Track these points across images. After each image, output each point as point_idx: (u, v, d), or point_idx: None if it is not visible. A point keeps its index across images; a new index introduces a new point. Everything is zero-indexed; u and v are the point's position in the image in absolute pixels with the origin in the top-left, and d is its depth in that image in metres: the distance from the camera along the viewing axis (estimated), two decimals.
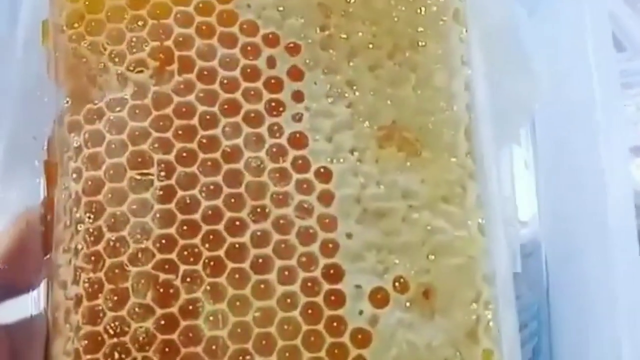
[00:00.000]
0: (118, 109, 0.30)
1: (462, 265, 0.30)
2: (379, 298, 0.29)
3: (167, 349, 0.28)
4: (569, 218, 0.38)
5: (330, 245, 0.29)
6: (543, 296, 0.40)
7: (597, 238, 0.35)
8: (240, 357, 0.28)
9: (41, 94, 0.32)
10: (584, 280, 0.37)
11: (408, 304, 0.29)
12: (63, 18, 0.31)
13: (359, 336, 0.29)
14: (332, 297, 0.29)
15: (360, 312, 0.29)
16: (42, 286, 0.30)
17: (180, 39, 0.31)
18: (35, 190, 0.32)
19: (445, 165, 0.31)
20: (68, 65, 0.31)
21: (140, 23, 0.31)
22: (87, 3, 0.31)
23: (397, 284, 0.30)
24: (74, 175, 0.29)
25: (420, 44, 0.32)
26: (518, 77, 0.35)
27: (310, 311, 0.29)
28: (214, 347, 0.28)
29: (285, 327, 0.28)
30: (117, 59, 0.30)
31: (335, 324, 0.29)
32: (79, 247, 0.29)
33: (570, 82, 0.37)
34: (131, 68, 0.30)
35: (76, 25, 0.31)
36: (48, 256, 0.30)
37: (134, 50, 0.30)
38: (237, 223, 0.29)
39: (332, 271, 0.29)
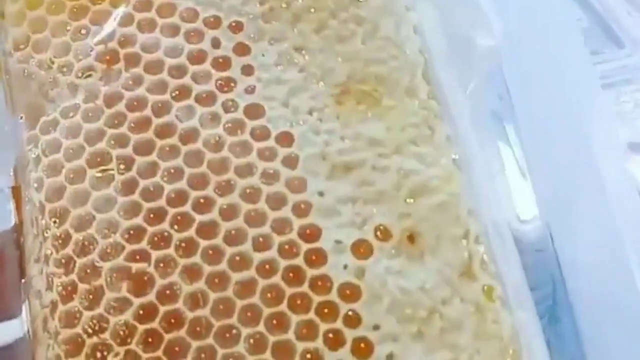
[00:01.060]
0: (71, 114, 0.30)
1: (443, 203, 0.29)
2: (362, 250, 0.28)
3: (149, 339, 0.27)
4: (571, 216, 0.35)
5: (303, 206, 0.28)
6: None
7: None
8: (227, 334, 0.27)
9: (1, 124, 0.32)
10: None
11: (393, 250, 0.28)
12: (10, 43, 0.32)
13: (347, 291, 0.27)
14: (313, 257, 0.28)
15: (345, 267, 0.27)
16: (24, 310, 0.30)
17: (123, 38, 0.31)
18: (6, 217, 0.31)
19: (408, 109, 0.30)
20: (19, 85, 0.31)
21: (83, 32, 0.31)
22: (30, 24, 0.31)
23: (378, 232, 0.28)
24: (36, 185, 0.29)
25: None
26: (473, 22, 0.34)
27: (291, 274, 0.27)
28: (197, 328, 0.27)
29: (269, 294, 0.27)
30: (65, 70, 0.31)
31: (320, 282, 0.27)
32: (49, 253, 0.28)
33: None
34: (79, 75, 0.31)
35: (22, 46, 0.31)
36: (24, 280, 0.30)
37: (80, 57, 0.31)
38: (203, 200, 0.28)
39: (308, 231, 0.28)
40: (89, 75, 0.30)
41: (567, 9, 0.36)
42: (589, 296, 0.30)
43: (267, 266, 0.27)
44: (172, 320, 0.27)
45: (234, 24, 0.31)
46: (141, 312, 0.27)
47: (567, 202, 0.31)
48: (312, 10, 0.32)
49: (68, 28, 0.31)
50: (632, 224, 0.30)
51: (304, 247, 0.28)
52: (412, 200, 0.29)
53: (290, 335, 0.26)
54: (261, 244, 0.28)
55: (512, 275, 0.29)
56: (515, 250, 0.29)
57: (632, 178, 0.33)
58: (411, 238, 0.28)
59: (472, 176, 0.30)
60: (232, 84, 0.30)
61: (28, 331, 0.29)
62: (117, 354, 0.26)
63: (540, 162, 0.31)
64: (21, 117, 0.30)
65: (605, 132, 0.32)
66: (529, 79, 0.33)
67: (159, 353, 0.26)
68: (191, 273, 0.27)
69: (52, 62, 0.31)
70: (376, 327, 0.27)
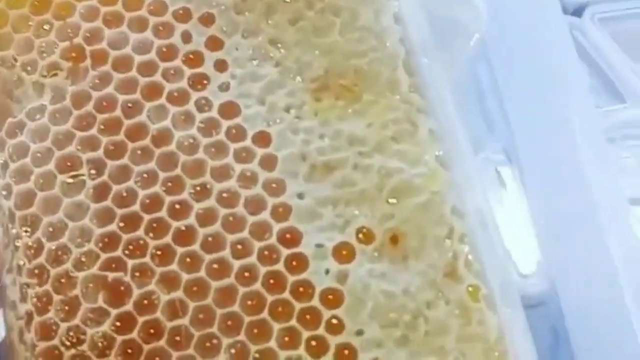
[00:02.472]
0: (38, 116, 0.29)
1: (427, 202, 0.28)
2: (344, 254, 0.27)
3: (129, 350, 0.26)
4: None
5: (281, 209, 0.28)
6: None
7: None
8: (207, 343, 0.26)
9: None
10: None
11: (376, 253, 0.27)
12: None
13: (330, 296, 0.27)
14: (294, 262, 0.27)
15: (327, 272, 0.27)
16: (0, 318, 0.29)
17: (88, 34, 0.29)
18: None
19: (389, 104, 0.29)
20: None
21: (46, 27, 0.30)
22: None
23: (360, 235, 0.27)
24: (4, 192, 0.28)
25: None
26: (455, 6, 0.33)
27: (272, 281, 0.27)
28: (177, 337, 0.26)
29: (249, 302, 0.26)
30: (29, 68, 0.29)
31: (301, 288, 0.27)
32: (21, 263, 0.27)
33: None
34: (45, 73, 0.29)
35: None
36: None
37: (45, 55, 0.29)
38: (178, 206, 0.27)
39: (288, 235, 0.27)
40: (55, 74, 0.29)
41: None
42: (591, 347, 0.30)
43: (246, 273, 0.27)
44: (151, 331, 0.26)
45: (205, 16, 0.30)
46: (119, 322, 0.26)
47: (569, 255, 0.31)
48: (287, 0, 0.30)
49: (30, 23, 0.30)
50: (634, 279, 0.29)
51: (284, 252, 0.27)
52: (394, 201, 0.28)
53: (272, 343, 0.26)
54: (240, 251, 0.27)
55: (497, 272, 0.28)
56: (503, 245, 0.29)
57: (634, 233, 0.32)
58: (394, 239, 0.27)
59: (456, 171, 0.29)
60: (205, 81, 0.29)
61: (4, 340, 0.28)
62: None
63: (542, 211, 0.31)
64: None
65: (609, 186, 0.32)
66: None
67: None
68: (169, 282, 0.27)
69: (15, 60, 0.29)
70: (360, 333, 0.26)
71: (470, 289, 0.27)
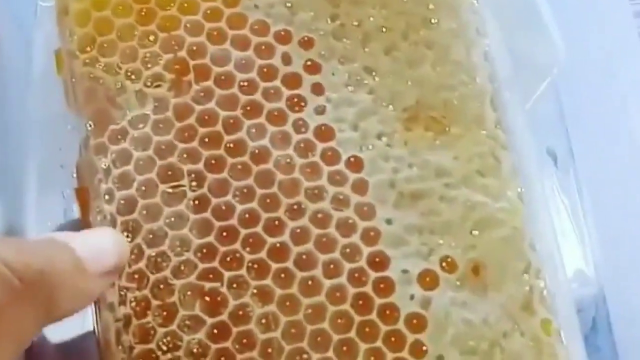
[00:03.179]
0: (141, 125, 0.30)
1: (508, 236, 0.30)
2: (427, 280, 0.29)
3: (222, 358, 0.27)
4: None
5: (372, 233, 0.29)
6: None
7: None
8: (297, 357, 0.28)
9: (63, 122, 0.32)
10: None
11: (458, 282, 0.29)
12: (75, 44, 0.31)
13: (414, 321, 0.28)
14: (381, 285, 0.28)
15: (412, 297, 0.28)
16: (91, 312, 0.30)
17: (194, 47, 0.31)
18: (68, 217, 0.32)
19: (475, 139, 0.31)
20: (86, 89, 0.31)
21: (151, 38, 0.31)
22: (96, 25, 0.31)
23: (444, 263, 0.29)
24: (106, 197, 0.29)
25: (432, 21, 0.32)
26: (534, 40, 0.34)
27: (361, 302, 0.28)
28: (269, 349, 0.28)
29: (339, 320, 0.28)
30: (133, 77, 0.30)
31: (387, 311, 0.28)
32: None
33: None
34: (148, 84, 0.30)
35: (88, 49, 0.31)
36: None
37: (149, 65, 0.30)
38: (276, 223, 0.29)
39: (377, 259, 0.29)
40: (158, 85, 0.30)
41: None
42: None
43: (337, 293, 0.28)
44: (245, 341, 0.28)
45: (305, 40, 0.31)
46: (215, 331, 0.28)
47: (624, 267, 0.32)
48: (384, 29, 0.31)
49: (135, 32, 0.31)
50: None
51: (373, 275, 0.28)
52: (477, 232, 0.29)
53: None
54: (331, 271, 0.28)
55: (565, 309, 0.30)
56: (568, 284, 0.30)
57: None
58: (476, 270, 0.29)
59: (532, 209, 0.30)
60: (303, 103, 0.30)
61: (94, 330, 0.29)
62: None
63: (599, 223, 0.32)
64: (90, 125, 0.30)
65: None
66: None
67: None
68: (263, 295, 0.28)
69: (120, 68, 0.31)
70: (440, 358, 0.28)
71: (543, 322, 0.29)
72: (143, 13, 0.31)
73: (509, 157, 0.31)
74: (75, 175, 0.31)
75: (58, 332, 0.31)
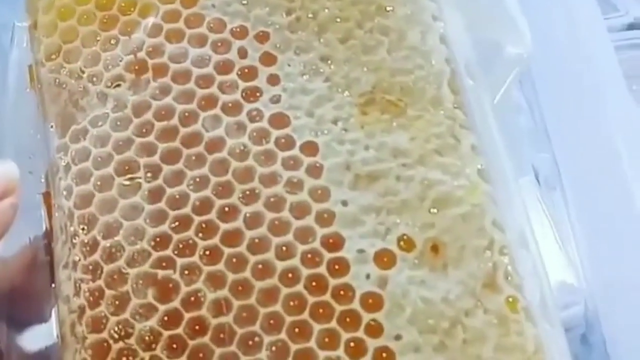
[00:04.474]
0: (100, 123, 0.30)
1: (467, 213, 0.29)
2: (385, 260, 0.28)
3: (174, 345, 0.27)
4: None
5: (326, 215, 0.28)
6: None
7: None
8: (250, 341, 0.27)
9: (34, 131, 0.33)
10: None
11: (416, 261, 0.28)
12: (42, 53, 0.32)
13: (370, 300, 0.27)
14: (336, 266, 0.28)
15: (367, 276, 0.28)
16: (54, 314, 0.30)
17: (151, 48, 0.31)
18: (37, 223, 0.32)
19: (433, 119, 0.30)
20: (51, 94, 0.32)
21: (112, 42, 0.32)
22: (61, 34, 0.32)
23: (401, 242, 0.28)
24: (65, 193, 0.30)
25: (388, 9, 0.32)
26: (500, 31, 0.34)
27: (314, 283, 0.27)
28: (221, 334, 0.27)
29: (291, 303, 0.27)
30: (95, 79, 0.31)
31: (342, 292, 0.27)
32: (77, 259, 0.29)
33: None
34: (109, 84, 0.31)
35: (54, 56, 0.32)
36: (54, 285, 0.30)
37: (110, 67, 0.31)
38: (228, 209, 0.29)
39: (331, 240, 0.28)
40: (118, 85, 0.31)
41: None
42: None
43: (290, 274, 0.28)
44: (197, 327, 0.27)
45: (260, 34, 0.32)
46: (166, 318, 0.27)
47: (615, 276, 0.31)
48: (338, 20, 0.32)
49: (98, 38, 0.32)
50: None
51: (327, 256, 0.28)
52: (435, 211, 0.29)
53: (312, 343, 0.27)
54: (284, 253, 0.28)
55: (537, 287, 0.28)
56: (542, 263, 0.29)
57: None
58: (435, 248, 0.28)
59: (498, 186, 0.29)
60: (258, 94, 0.31)
61: (57, 336, 0.29)
62: None
63: (585, 230, 0.31)
64: (52, 126, 0.31)
65: None
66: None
67: (183, 359, 0.27)
68: (215, 280, 0.28)
69: (83, 72, 0.31)
70: (398, 337, 0.27)
71: (509, 299, 0.28)
72: (105, 20, 0.32)
73: (469, 136, 0.30)
74: (43, 180, 0.32)
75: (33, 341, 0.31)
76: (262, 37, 0.32)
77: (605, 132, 0.33)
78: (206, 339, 0.27)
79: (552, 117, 0.36)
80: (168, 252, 0.28)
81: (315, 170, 0.29)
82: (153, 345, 0.27)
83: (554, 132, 0.36)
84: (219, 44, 0.31)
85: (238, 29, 0.32)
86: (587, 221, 0.34)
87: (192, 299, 0.27)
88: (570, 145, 0.35)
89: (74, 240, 0.29)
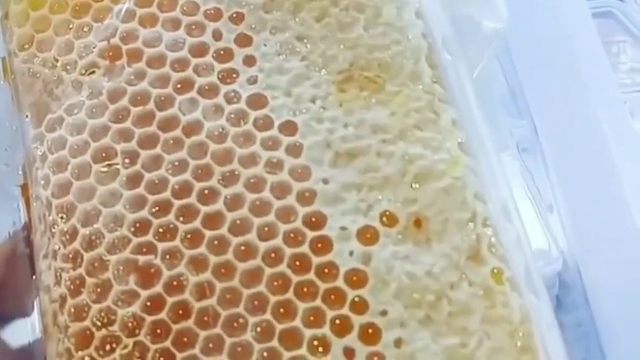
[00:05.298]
0: (76, 111, 0.30)
1: (449, 187, 0.28)
2: (367, 236, 0.28)
3: (158, 330, 0.27)
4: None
5: (307, 194, 0.28)
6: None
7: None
8: (234, 322, 0.27)
9: (10, 123, 0.32)
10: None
11: (400, 236, 0.28)
12: (14, 43, 0.32)
13: (354, 277, 0.27)
14: (319, 244, 0.27)
15: (351, 253, 0.27)
16: (36, 306, 0.30)
17: (125, 34, 0.31)
18: (16, 215, 0.32)
19: (412, 94, 0.30)
20: (25, 84, 0.31)
21: (85, 29, 0.31)
22: (34, 24, 0.32)
23: (384, 218, 0.28)
24: (42, 182, 0.29)
25: None
26: (476, 5, 0.33)
27: (298, 262, 0.27)
28: (205, 318, 0.27)
29: (275, 283, 0.27)
30: (69, 67, 0.31)
31: (326, 270, 0.27)
32: (56, 248, 0.28)
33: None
34: (83, 72, 0.31)
35: (27, 46, 0.31)
36: (35, 276, 0.30)
37: (84, 54, 0.31)
38: (208, 192, 0.28)
39: (313, 218, 0.28)
40: (92, 72, 0.31)
41: None
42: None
43: (272, 255, 0.27)
44: (180, 311, 0.27)
45: (234, 15, 0.31)
46: (149, 303, 0.27)
47: (596, 240, 0.31)
48: None
49: (70, 26, 0.31)
50: None
51: (310, 234, 0.28)
52: (417, 185, 0.28)
53: (298, 322, 0.26)
54: (266, 233, 0.28)
55: (521, 258, 0.28)
56: (526, 234, 0.29)
57: None
58: (417, 223, 0.28)
59: (479, 159, 0.29)
60: (234, 75, 0.30)
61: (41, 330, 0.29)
62: (125, 346, 0.27)
63: (566, 197, 0.31)
64: (27, 116, 0.31)
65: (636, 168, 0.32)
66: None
67: (167, 344, 0.26)
68: (197, 264, 0.27)
69: (56, 61, 0.31)
70: (383, 313, 0.27)
71: (494, 271, 0.27)
72: (78, 7, 0.32)
73: (449, 110, 0.30)
74: (20, 172, 0.32)
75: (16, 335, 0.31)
76: (237, 18, 0.31)
77: (583, 96, 0.33)
78: (190, 322, 0.27)
79: (530, 85, 0.36)
80: (148, 237, 0.28)
81: (294, 150, 0.29)
82: (136, 331, 0.27)
83: (532, 99, 0.36)
84: (193, 27, 0.31)
85: (212, 11, 0.31)
86: (567, 184, 0.34)
87: (175, 283, 0.27)
88: (548, 111, 0.35)
89: (53, 230, 0.29)
